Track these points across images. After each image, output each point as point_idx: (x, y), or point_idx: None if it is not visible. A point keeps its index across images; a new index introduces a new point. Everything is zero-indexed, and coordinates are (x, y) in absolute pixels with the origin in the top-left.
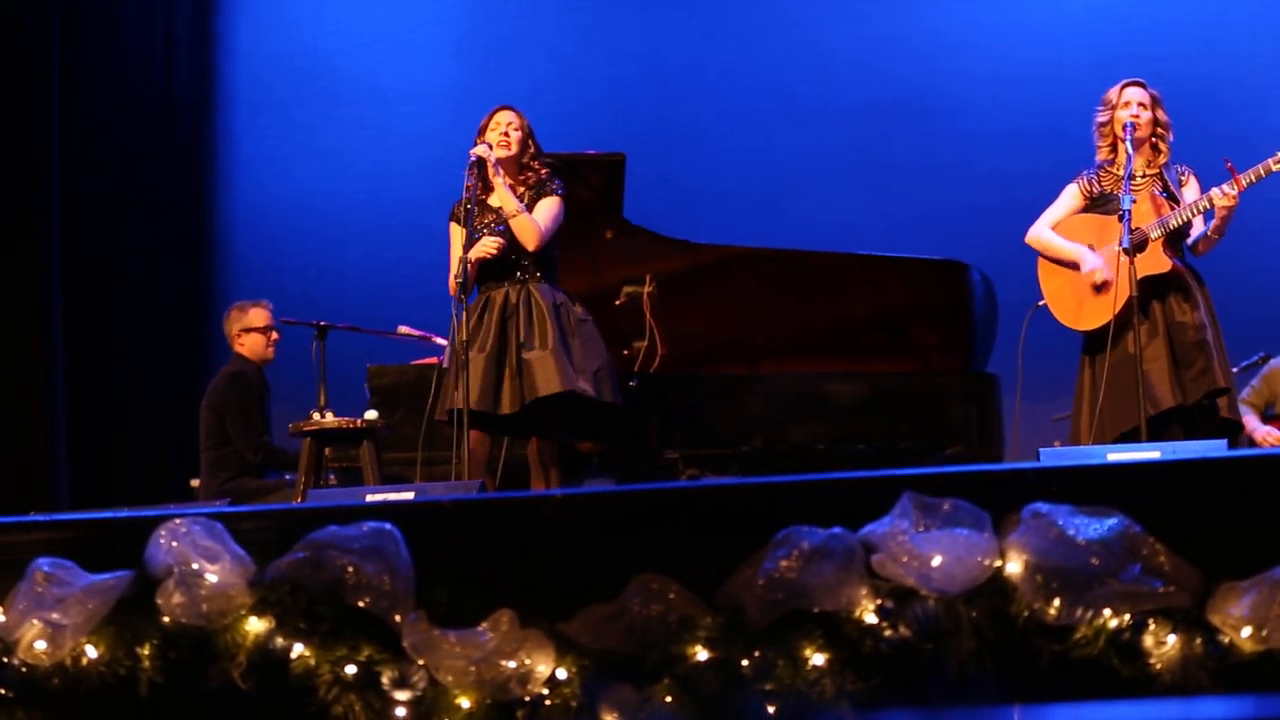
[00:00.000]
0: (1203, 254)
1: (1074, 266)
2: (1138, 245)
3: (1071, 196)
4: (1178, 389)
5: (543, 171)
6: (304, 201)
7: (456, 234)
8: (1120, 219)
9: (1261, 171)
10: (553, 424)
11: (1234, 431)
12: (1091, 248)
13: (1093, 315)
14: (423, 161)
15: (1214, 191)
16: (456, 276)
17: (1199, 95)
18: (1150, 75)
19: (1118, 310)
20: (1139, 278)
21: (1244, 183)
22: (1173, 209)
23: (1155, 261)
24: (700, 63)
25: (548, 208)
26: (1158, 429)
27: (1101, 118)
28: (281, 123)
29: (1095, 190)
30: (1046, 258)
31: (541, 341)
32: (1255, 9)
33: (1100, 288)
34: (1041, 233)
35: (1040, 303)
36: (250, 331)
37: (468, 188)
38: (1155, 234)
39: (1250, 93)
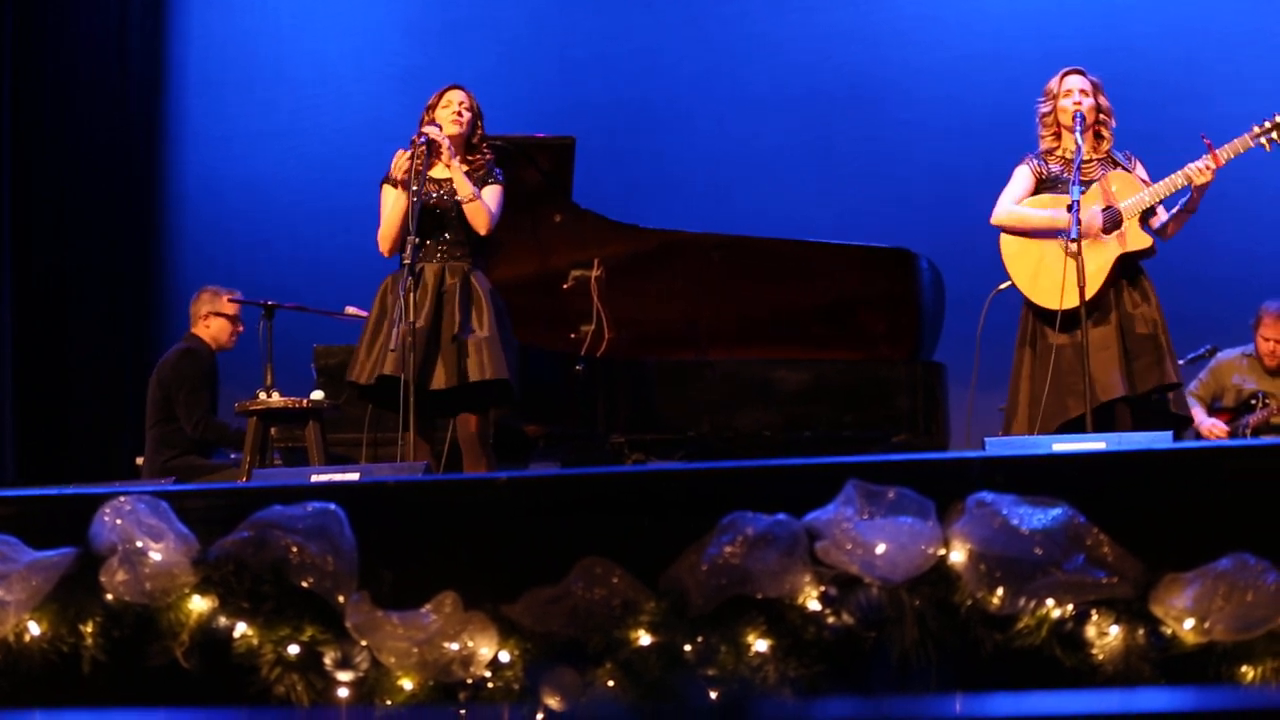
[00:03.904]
0: (1170, 236)
1: (1052, 235)
2: (1114, 222)
3: (1024, 177)
4: (1127, 379)
5: (488, 156)
6: (254, 182)
7: (389, 195)
8: (1070, 203)
9: (1239, 147)
10: (484, 407)
11: (1182, 427)
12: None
13: (1070, 295)
14: (372, 143)
15: (1191, 168)
16: (405, 258)
17: (1148, 86)
18: (1099, 67)
19: (1096, 292)
20: (1121, 254)
21: (1222, 158)
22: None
23: (1137, 237)
24: (652, 48)
25: (494, 195)
26: (1103, 419)
27: (1044, 108)
28: (232, 103)
29: (1045, 172)
30: (1017, 233)
31: (480, 326)
32: (1202, 1)
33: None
34: (1011, 209)
35: (1003, 285)
36: (219, 316)
37: (417, 168)
38: (1130, 213)
39: (1199, 84)
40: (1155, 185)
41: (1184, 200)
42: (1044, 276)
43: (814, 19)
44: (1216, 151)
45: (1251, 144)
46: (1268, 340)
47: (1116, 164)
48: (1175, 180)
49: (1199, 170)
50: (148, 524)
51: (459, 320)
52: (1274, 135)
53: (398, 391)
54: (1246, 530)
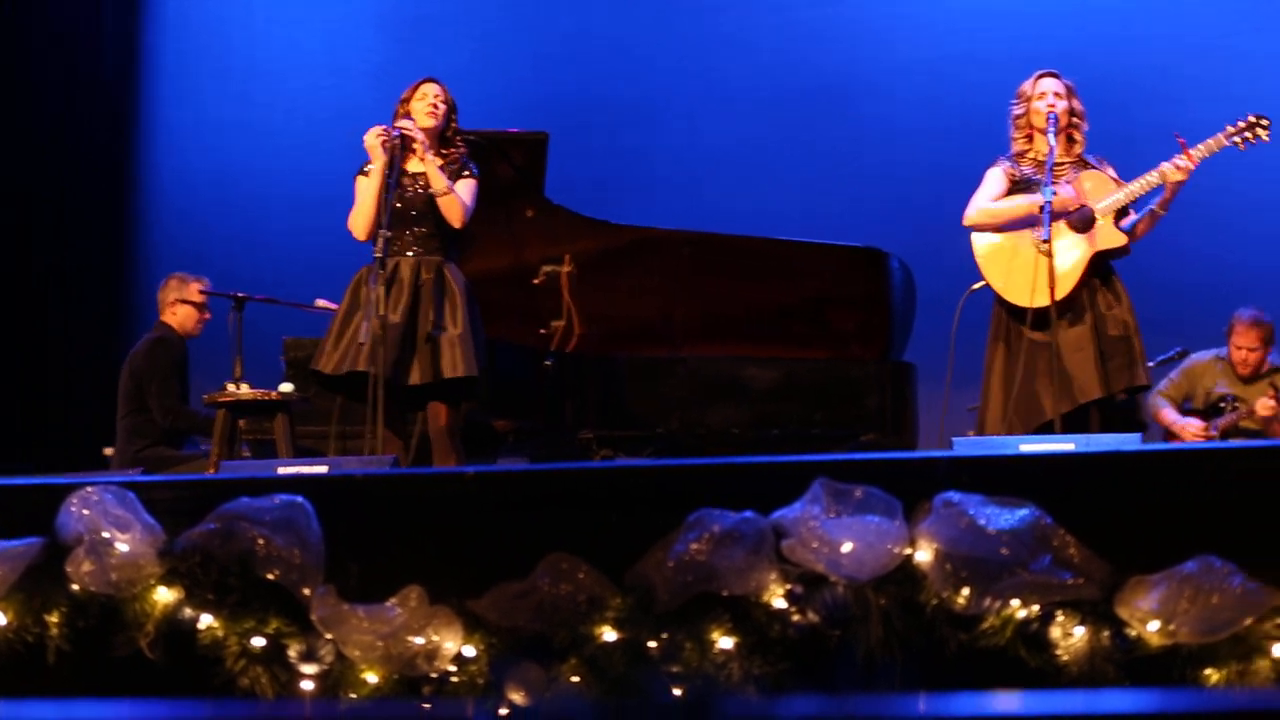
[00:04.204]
0: (1141, 236)
1: (1029, 224)
2: (1087, 223)
3: (997, 179)
4: (1104, 380)
5: (462, 149)
6: (226, 172)
7: (362, 184)
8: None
9: (1213, 146)
10: (457, 402)
11: (1143, 430)
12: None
13: (1036, 293)
14: (345, 135)
15: (1165, 166)
16: (377, 251)
17: (1121, 89)
18: (1072, 69)
19: (1071, 290)
20: (1096, 251)
21: (1196, 157)
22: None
23: (1110, 236)
24: (626, 44)
25: (468, 188)
26: (1075, 420)
27: (1018, 110)
28: (206, 94)
29: (1018, 174)
30: (991, 229)
31: (454, 322)
32: (1176, 2)
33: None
34: (985, 205)
35: (976, 285)
36: (185, 304)
37: (386, 150)
38: (1104, 212)
39: (1172, 86)
40: (1130, 184)
41: (1155, 200)
42: (1016, 274)
43: (788, 17)
44: (1191, 150)
45: (1226, 143)
46: (1240, 349)
47: (1088, 166)
48: (1149, 179)
49: (1174, 169)
50: (114, 515)
51: (433, 316)
52: (1248, 135)
53: (364, 384)
54: (1213, 533)
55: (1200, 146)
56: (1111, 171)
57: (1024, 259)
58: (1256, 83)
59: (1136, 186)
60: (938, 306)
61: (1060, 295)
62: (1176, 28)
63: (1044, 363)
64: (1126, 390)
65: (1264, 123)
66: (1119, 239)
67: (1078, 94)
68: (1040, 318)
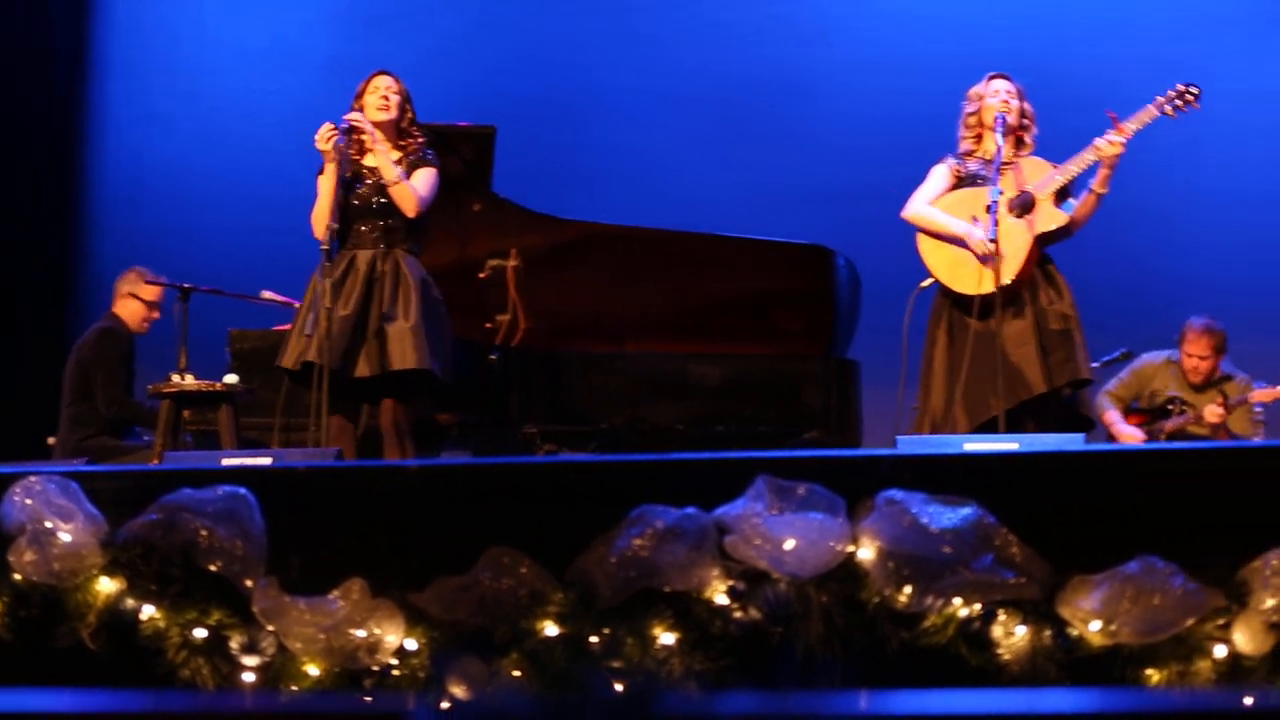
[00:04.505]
0: (1082, 221)
1: (957, 243)
2: (1026, 207)
3: (942, 176)
4: (1046, 374)
5: (420, 139)
6: (174, 165)
7: (322, 183)
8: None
9: (1144, 118)
10: (407, 395)
11: (1088, 429)
12: (974, 219)
13: (981, 284)
14: (292, 129)
15: (1099, 141)
16: (325, 239)
17: (1070, 88)
18: (1021, 68)
19: (1015, 276)
20: (1038, 233)
21: (1128, 130)
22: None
23: (1051, 217)
24: (574, 39)
25: (425, 177)
26: (1017, 416)
27: (969, 109)
28: (156, 86)
29: (964, 172)
30: (927, 233)
31: (405, 314)
32: (1128, 5)
33: (987, 260)
34: (921, 209)
35: (925, 283)
36: (134, 299)
37: (339, 149)
38: (1044, 192)
39: (1120, 86)
40: (1066, 164)
41: (1093, 180)
42: (960, 264)
43: (736, 14)
44: (1123, 124)
45: (1157, 114)
46: (1192, 356)
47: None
48: (1085, 157)
49: (1107, 143)
50: (57, 504)
51: (385, 308)
52: (1178, 103)
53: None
54: (1155, 534)
55: (1132, 119)
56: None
57: (964, 250)
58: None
59: (1073, 166)
60: (885, 303)
61: (1008, 279)
62: (1126, 28)
63: (988, 356)
64: (1069, 384)
65: (1193, 90)
66: (1060, 218)
67: (1027, 97)
68: (985, 307)
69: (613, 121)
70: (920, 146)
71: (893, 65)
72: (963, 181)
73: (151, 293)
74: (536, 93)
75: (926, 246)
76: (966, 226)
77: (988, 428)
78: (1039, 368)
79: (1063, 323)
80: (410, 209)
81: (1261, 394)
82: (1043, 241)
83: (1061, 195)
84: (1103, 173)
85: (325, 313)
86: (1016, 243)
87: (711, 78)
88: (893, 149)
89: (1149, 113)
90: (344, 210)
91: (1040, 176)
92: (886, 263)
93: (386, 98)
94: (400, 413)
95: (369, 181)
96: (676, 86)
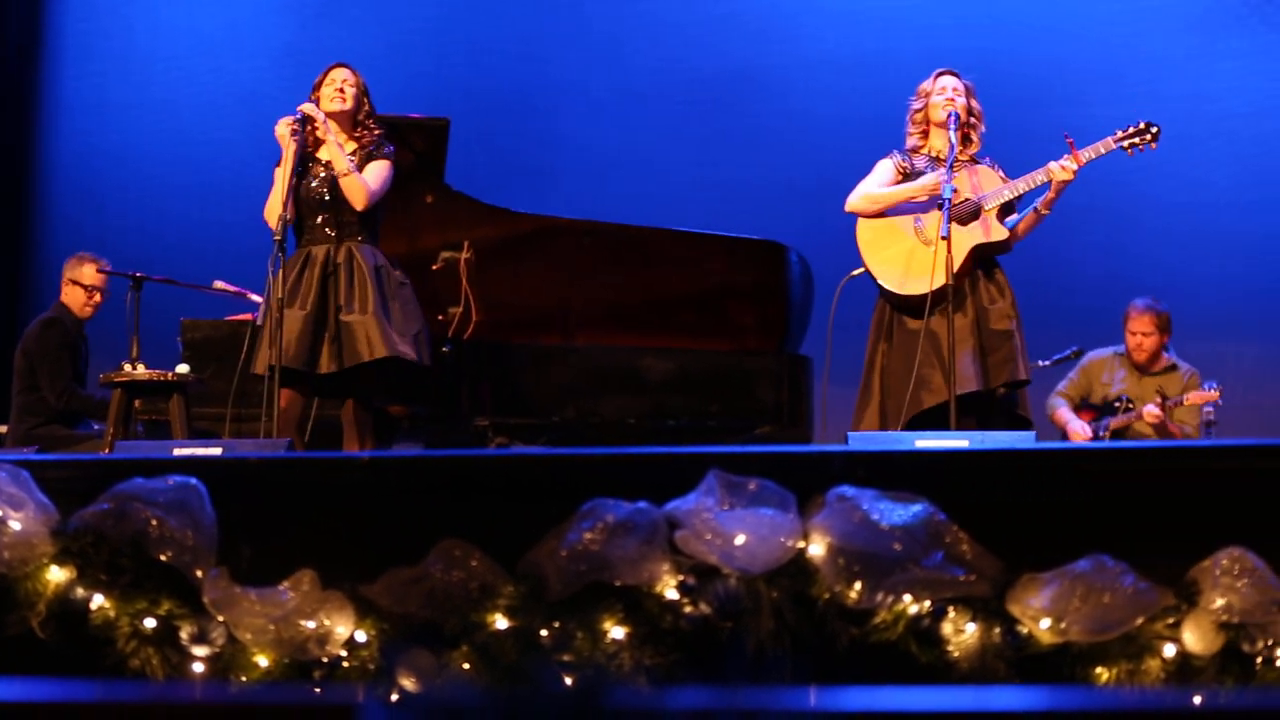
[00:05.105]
0: (1022, 236)
1: (911, 211)
2: (972, 214)
3: (887, 171)
4: (982, 374)
5: (376, 132)
6: (127, 152)
7: (280, 177)
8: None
9: (1101, 149)
10: (370, 388)
11: (1025, 429)
12: (916, 218)
13: (919, 282)
14: (246, 118)
15: (1053, 165)
16: (278, 229)
17: (1023, 87)
18: (976, 67)
19: (952, 273)
20: (976, 244)
21: (1083, 159)
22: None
23: (991, 230)
24: (531, 31)
25: (378, 170)
26: (952, 414)
27: (916, 105)
28: (109, 73)
29: (909, 168)
30: (871, 215)
31: (362, 305)
32: (1081, 5)
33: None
34: (869, 190)
35: (856, 271)
36: (76, 285)
37: (295, 138)
38: (990, 205)
39: (1072, 88)
40: (1016, 180)
41: (1039, 200)
42: (895, 262)
43: (695, 8)
44: (1079, 152)
45: (1114, 146)
46: (1135, 334)
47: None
48: (1036, 177)
49: (1060, 168)
50: (7, 493)
51: (341, 300)
52: (1136, 141)
53: (295, 375)
54: (1105, 532)
55: (1088, 149)
56: (1002, 173)
57: (903, 247)
58: (1155, 83)
59: (1022, 184)
60: (841, 300)
61: (938, 284)
62: (1081, 28)
63: (923, 353)
64: (1007, 385)
65: (1153, 130)
66: (1000, 233)
67: (976, 95)
68: (920, 306)
69: (570, 116)
70: (876, 144)
71: (849, 63)
72: (906, 178)
73: (91, 277)
74: (495, 86)
75: (865, 240)
76: (912, 183)
77: (938, 424)
78: (974, 367)
79: (1004, 323)
80: (359, 201)
81: (1197, 396)
82: (980, 252)
83: (1005, 210)
84: (1049, 196)
85: (276, 303)
86: (956, 249)
87: (668, 74)
88: (848, 146)
89: (1106, 145)
90: (297, 203)
91: (990, 187)
92: (841, 259)
93: (342, 89)
94: (359, 406)
95: (321, 174)
96: (634, 82)
